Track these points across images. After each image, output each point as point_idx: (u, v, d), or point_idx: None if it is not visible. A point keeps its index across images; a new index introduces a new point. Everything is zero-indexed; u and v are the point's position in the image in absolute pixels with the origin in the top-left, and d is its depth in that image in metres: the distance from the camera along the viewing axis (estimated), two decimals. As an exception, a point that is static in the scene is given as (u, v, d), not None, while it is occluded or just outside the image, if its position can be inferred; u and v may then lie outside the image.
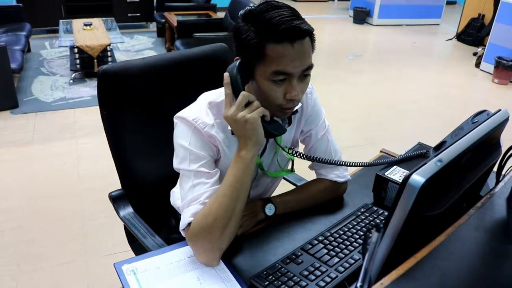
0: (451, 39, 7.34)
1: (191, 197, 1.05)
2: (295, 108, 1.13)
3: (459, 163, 0.72)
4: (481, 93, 5.18)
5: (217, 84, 1.13)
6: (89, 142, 3.36)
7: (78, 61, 4.44)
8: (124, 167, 1.45)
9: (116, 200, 1.45)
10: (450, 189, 0.75)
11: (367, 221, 1.17)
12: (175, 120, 1.12)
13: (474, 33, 6.96)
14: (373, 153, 1.60)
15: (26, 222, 2.48)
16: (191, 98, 1.17)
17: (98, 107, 1.36)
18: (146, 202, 1.48)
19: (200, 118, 1.08)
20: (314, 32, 1.00)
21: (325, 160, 1.21)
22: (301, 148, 1.30)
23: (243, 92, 0.99)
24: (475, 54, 6.25)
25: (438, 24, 8.50)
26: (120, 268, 1.02)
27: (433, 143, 1.42)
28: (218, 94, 1.12)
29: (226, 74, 1.02)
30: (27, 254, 2.24)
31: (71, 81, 4.50)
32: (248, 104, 0.99)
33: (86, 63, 4.46)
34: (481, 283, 0.67)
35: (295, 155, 1.19)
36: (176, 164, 1.11)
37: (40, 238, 2.36)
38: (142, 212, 1.43)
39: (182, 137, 1.09)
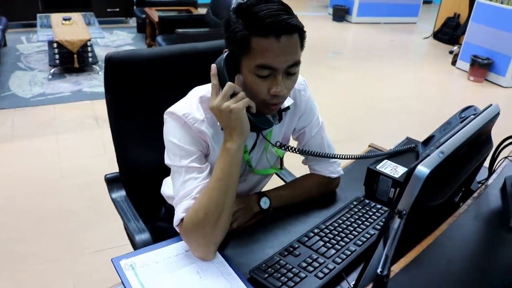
0: (428, 37, 7.49)
1: (183, 193, 1.05)
2: (287, 105, 1.14)
3: (458, 155, 0.74)
4: (457, 90, 5.32)
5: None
6: (70, 138, 3.31)
7: (57, 56, 4.35)
8: (123, 152, 1.47)
9: (111, 182, 1.48)
10: (450, 181, 0.78)
11: (360, 214, 1.19)
12: (165, 116, 1.11)
13: (450, 32, 7.12)
14: (357, 149, 1.62)
15: (8, 221, 2.43)
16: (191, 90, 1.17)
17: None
18: (141, 188, 1.50)
19: (191, 114, 1.07)
20: (305, 30, 0.99)
21: (316, 153, 1.22)
22: (293, 145, 1.31)
23: (229, 83, 0.99)
24: (451, 52, 6.40)
25: (415, 23, 8.66)
26: (118, 263, 1.01)
27: (414, 138, 1.47)
28: (209, 89, 1.12)
29: (213, 66, 1.03)
30: (10, 253, 2.19)
31: (50, 77, 4.41)
32: (234, 95, 1.00)
33: (66, 58, 4.39)
34: (483, 268, 0.70)
35: (286, 149, 1.19)
36: (167, 160, 1.11)
37: (23, 237, 2.32)
38: (135, 198, 1.46)
39: (171, 134, 1.08)
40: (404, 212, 0.50)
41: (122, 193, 1.46)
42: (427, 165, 0.65)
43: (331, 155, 1.24)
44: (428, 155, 0.69)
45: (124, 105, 1.43)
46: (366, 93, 4.73)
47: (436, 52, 6.70)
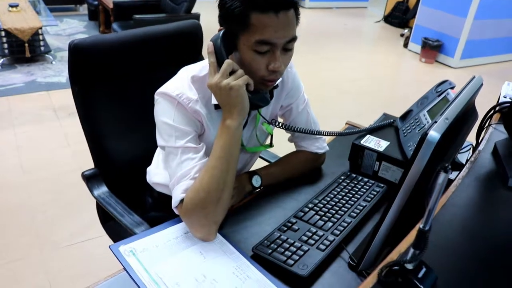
0: (379, 21, 7.71)
1: (180, 174, 1.03)
2: (276, 82, 1.15)
3: (457, 122, 0.78)
4: (411, 71, 5.52)
5: (190, 60, 1.11)
6: (29, 130, 3.16)
7: (6, 45, 4.11)
8: (97, 146, 1.40)
9: (90, 179, 1.40)
10: (452, 146, 0.82)
11: (349, 187, 1.23)
12: (156, 96, 1.09)
13: (400, 16, 7.35)
14: (327, 128, 1.65)
15: (-31, 219, 2.30)
16: (164, 74, 1.15)
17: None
18: (121, 181, 1.45)
19: (184, 94, 1.06)
20: (299, 6, 1.01)
21: (306, 130, 1.25)
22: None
23: (227, 60, 0.99)
24: (402, 35, 6.63)
25: (365, 7, 8.88)
26: (117, 250, 0.98)
27: (376, 118, 1.53)
28: (200, 68, 1.10)
29: (210, 43, 1.01)
30: (-25, 252, 2.09)
31: (0, 67, 4.17)
32: (232, 72, 0.99)
33: (15, 48, 4.15)
34: (494, 224, 0.75)
35: (276, 126, 1.21)
36: (162, 142, 1.08)
37: (-13, 235, 2.21)
38: (116, 191, 1.40)
39: (165, 114, 1.06)
40: (449, 166, 0.52)
41: (104, 189, 1.39)
42: (437, 130, 0.68)
43: (319, 132, 1.27)
44: (435, 122, 0.72)
45: (94, 96, 1.35)
46: (326, 76, 4.82)
47: (388, 35, 6.91)
